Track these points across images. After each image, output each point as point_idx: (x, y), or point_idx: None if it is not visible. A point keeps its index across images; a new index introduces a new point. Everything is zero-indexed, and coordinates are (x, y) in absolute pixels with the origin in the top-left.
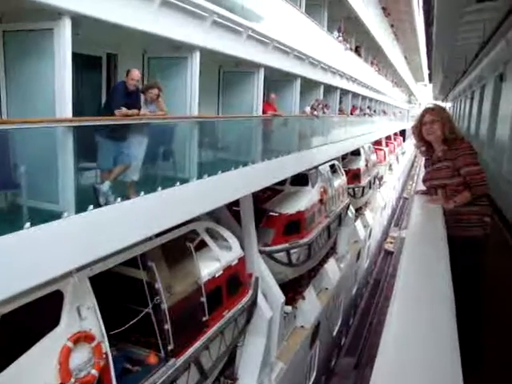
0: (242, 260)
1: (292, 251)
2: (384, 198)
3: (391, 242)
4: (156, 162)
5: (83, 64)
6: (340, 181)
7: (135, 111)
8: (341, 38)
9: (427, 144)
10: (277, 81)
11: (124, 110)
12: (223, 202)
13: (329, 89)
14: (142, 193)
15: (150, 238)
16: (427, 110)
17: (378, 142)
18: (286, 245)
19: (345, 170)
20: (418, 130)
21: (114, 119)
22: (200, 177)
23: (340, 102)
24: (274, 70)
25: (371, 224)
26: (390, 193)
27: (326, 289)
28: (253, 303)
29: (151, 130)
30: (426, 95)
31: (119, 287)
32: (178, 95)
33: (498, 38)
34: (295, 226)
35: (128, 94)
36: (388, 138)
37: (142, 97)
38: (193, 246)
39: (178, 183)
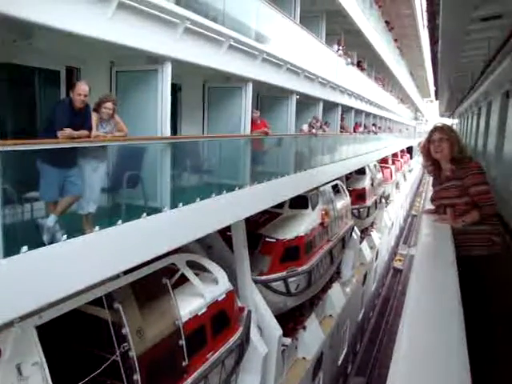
0: (230, 294)
1: (290, 280)
2: (391, 218)
3: (400, 260)
4: (119, 191)
5: (39, 79)
6: (343, 201)
7: (84, 132)
8: (341, 52)
9: (435, 163)
10: (270, 97)
11: (68, 131)
12: (203, 232)
13: (329, 105)
14: (97, 227)
15: (118, 276)
16: (436, 129)
17: (384, 160)
18: (284, 273)
19: (349, 190)
20: (426, 148)
21: (51, 142)
22: (174, 205)
23: (342, 119)
24: (265, 84)
25: (378, 245)
26: (398, 211)
27: (330, 316)
28: (244, 341)
29: (111, 153)
30: (432, 112)
31: (84, 328)
32: (149, 112)
33: (504, 55)
34: (294, 252)
35: (74, 112)
36: (394, 155)
37: (95, 115)
38: (170, 282)
39: (145, 214)
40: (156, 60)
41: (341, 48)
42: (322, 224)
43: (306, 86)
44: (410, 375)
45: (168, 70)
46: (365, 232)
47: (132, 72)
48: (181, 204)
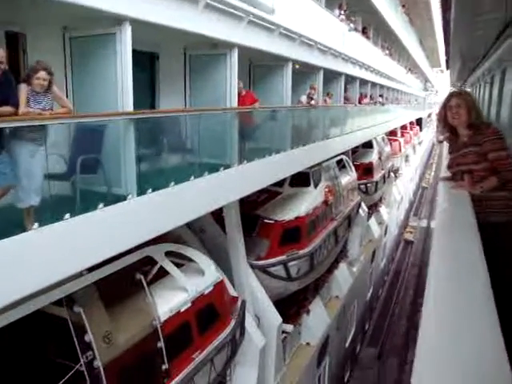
0: (219, 285)
1: (290, 264)
2: (400, 192)
3: (411, 232)
4: (72, 178)
5: None
6: (349, 177)
7: (6, 109)
8: (343, 17)
9: (452, 129)
10: (263, 66)
11: None
12: (177, 223)
13: (331, 75)
14: (36, 224)
15: (81, 274)
16: (453, 95)
17: (392, 133)
18: (284, 257)
19: (355, 165)
20: (443, 114)
21: None
22: (141, 191)
23: (345, 90)
24: (255, 51)
25: (387, 220)
26: (407, 185)
27: (337, 297)
28: (237, 334)
29: (58, 134)
30: (442, 82)
31: (46, 331)
32: (108, 84)
33: None
34: (294, 234)
35: None
36: (403, 127)
37: (26, 88)
38: (147, 277)
39: (102, 205)
40: (115, 22)
41: (342, 12)
42: (325, 202)
43: (303, 53)
44: (440, 338)
45: (127, 32)
46: (373, 208)
47: (88, 37)
48: (150, 190)
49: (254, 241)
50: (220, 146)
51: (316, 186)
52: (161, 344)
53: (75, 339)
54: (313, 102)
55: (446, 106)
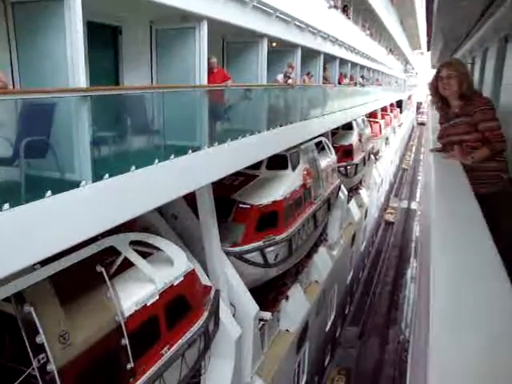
0: (190, 275)
1: (268, 250)
2: (381, 174)
3: (391, 213)
4: (14, 163)
5: None
6: (329, 160)
7: None
8: None
9: (443, 99)
10: (238, 43)
11: None
12: (140, 210)
13: (309, 53)
14: None
15: (34, 269)
16: (444, 65)
17: (373, 115)
18: (260, 243)
19: (335, 147)
20: (434, 85)
21: None
22: (97, 177)
23: (324, 70)
24: (227, 26)
25: (367, 203)
26: (388, 167)
27: (316, 282)
28: (211, 326)
29: None
30: (423, 64)
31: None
32: (56, 60)
33: None
34: (271, 218)
35: None
36: (384, 109)
37: None
38: (107, 269)
39: (49, 192)
40: None
41: None
42: (303, 185)
43: (279, 29)
44: (453, 299)
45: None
46: (353, 190)
47: (31, 3)
48: (107, 175)
49: (229, 226)
50: (189, 127)
51: (294, 168)
52: (125, 341)
53: (26, 341)
54: (290, 81)
55: (437, 77)
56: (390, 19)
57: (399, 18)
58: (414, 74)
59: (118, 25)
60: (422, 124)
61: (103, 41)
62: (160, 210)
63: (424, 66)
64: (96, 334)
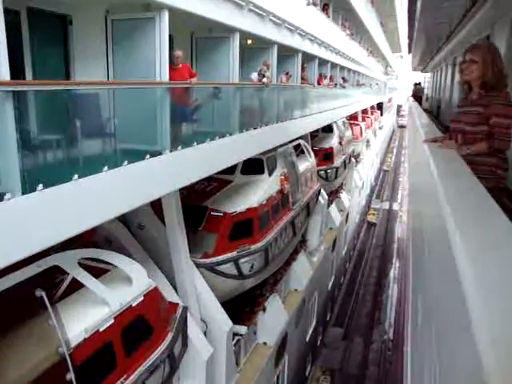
0: (152, 293)
1: (242, 260)
2: (362, 177)
3: (373, 214)
4: None
5: None
6: (308, 163)
7: None
8: None
9: (468, 83)
10: (208, 38)
11: None
12: (84, 226)
13: (286, 52)
14: None
15: None
16: (469, 48)
17: (353, 117)
18: (234, 253)
19: (314, 150)
20: (461, 68)
21: None
22: (29, 189)
23: (303, 70)
24: (194, 18)
25: (348, 207)
26: (368, 170)
27: (296, 290)
28: (176, 348)
29: None
30: (403, 67)
31: None
32: None
33: None
34: (245, 227)
35: None
36: (365, 111)
37: None
38: (50, 293)
39: None
40: None
41: None
42: (281, 191)
43: (253, 23)
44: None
45: None
46: (333, 194)
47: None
48: (41, 186)
49: (200, 236)
50: (148, 129)
51: (271, 173)
52: (70, 376)
53: None
54: (265, 80)
55: (463, 61)
56: (370, 20)
57: (379, 19)
58: (394, 76)
59: (66, 13)
60: (403, 127)
61: (48, 31)
62: (124, 220)
63: (404, 70)
64: (34, 370)
